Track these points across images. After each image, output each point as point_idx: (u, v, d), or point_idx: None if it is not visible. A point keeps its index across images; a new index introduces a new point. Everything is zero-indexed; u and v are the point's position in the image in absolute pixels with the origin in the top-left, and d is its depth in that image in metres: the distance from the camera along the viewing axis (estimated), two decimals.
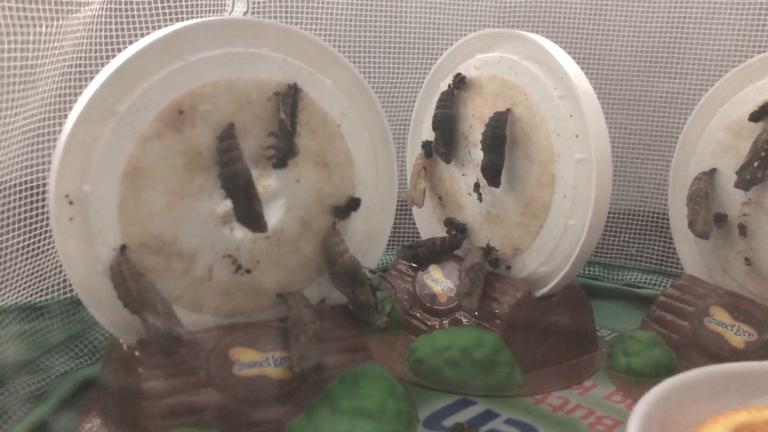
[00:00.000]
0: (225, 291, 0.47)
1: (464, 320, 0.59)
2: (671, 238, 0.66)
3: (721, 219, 0.59)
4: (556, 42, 0.57)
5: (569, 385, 0.57)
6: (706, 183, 0.59)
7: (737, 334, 0.57)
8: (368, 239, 0.53)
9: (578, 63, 0.56)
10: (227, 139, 0.45)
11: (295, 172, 0.48)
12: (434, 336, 0.57)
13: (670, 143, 0.75)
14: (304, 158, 0.48)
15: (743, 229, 0.58)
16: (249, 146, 0.46)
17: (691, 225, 0.58)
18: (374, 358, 0.51)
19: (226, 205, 0.46)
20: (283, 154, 0.46)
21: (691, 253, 0.63)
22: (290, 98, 0.47)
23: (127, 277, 0.43)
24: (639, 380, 0.57)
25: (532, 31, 0.59)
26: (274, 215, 0.48)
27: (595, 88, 0.55)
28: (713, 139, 0.60)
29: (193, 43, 0.44)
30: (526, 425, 0.51)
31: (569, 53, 0.56)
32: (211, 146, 0.45)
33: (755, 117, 0.56)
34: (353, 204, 0.51)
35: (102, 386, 0.49)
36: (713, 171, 0.60)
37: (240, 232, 0.47)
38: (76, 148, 0.42)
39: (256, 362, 0.46)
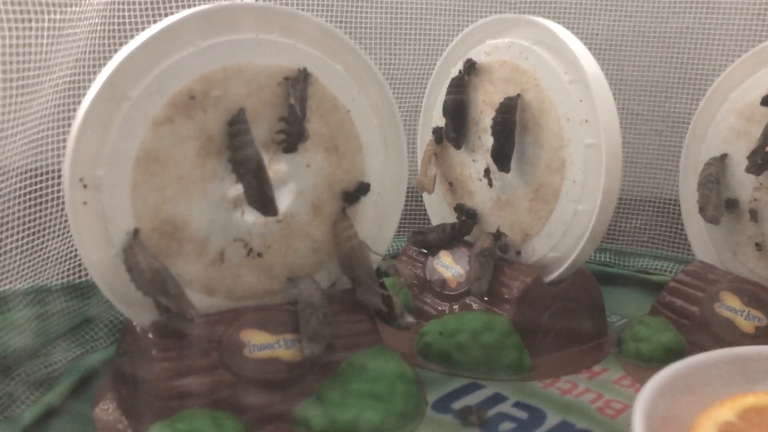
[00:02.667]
0: (236, 274, 0.48)
1: (474, 305, 0.60)
2: (682, 224, 0.66)
3: (732, 204, 0.59)
4: (567, 27, 0.57)
5: (578, 369, 0.57)
6: (717, 168, 0.59)
7: (747, 319, 0.57)
8: (378, 224, 0.53)
9: (589, 48, 0.56)
10: (238, 124, 0.45)
11: (306, 156, 0.49)
12: (444, 320, 0.58)
13: (681, 129, 0.74)
14: (314, 143, 0.49)
15: (754, 215, 0.58)
16: (260, 131, 0.47)
17: (702, 210, 0.58)
18: (384, 341, 0.51)
19: (238, 189, 0.46)
20: (293, 138, 0.47)
21: (701, 239, 0.63)
22: (300, 83, 0.47)
23: (140, 260, 0.43)
24: (648, 365, 0.57)
25: (543, 17, 0.59)
26: (284, 199, 0.49)
27: (606, 74, 0.55)
28: (724, 124, 0.60)
29: (204, 29, 0.44)
30: (534, 408, 0.51)
31: (580, 38, 0.56)
32: (222, 131, 0.45)
33: (767, 101, 0.56)
34: (363, 189, 0.51)
35: (116, 369, 0.50)
36: (724, 156, 0.60)
37: (251, 216, 0.48)
38: (89, 132, 0.42)
39: (268, 344, 0.47)
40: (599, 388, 0.54)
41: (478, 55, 0.62)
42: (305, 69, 0.47)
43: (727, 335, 0.57)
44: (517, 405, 0.51)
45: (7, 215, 0.49)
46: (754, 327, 0.56)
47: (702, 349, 0.51)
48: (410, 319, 0.51)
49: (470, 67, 0.62)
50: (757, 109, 0.57)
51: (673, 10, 0.73)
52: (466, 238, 0.65)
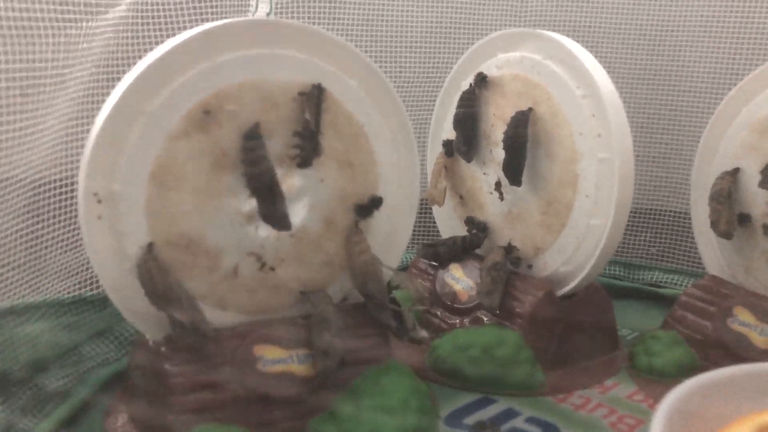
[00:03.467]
0: (250, 288, 0.48)
1: (485, 319, 0.59)
2: (693, 238, 0.65)
3: (744, 219, 0.59)
4: (578, 42, 0.57)
5: (591, 384, 0.57)
6: (729, 182, 0.59)
7: (761, 335, 0.56)
8: (390, 238, 0.53)
9: (601, 63, 0.56)
10: (253, 138, 0.45)
11: (320, 171, 0.49)
12: (455, 334, 0.58)
13: (692, 143, 0.74)
14: (328, 158, 0.49)
15: (767, 230, 0.58)
16: (274, 146, 0.47)
17: (714, 225, 0.58)
18: (396, 356, 0.51)
19: (251, 203, 0.46)
20: (307, 153, 0.47)
21: (713, 253, 0.63)
22: (315, 98, 0.47)
23: (154, 274, 0.43)
24: (661, 380, 0.57)
25: (555, 31, 0.59)
26: (298, 214, 0.49)
27: (617, 88, 0.55)
28: (737, 139, 0.60)
29: (219, 44, 0.44)
30: (547, 424, 0.51)
31: (592, 53, 0.56)
32: (237, 146, 0.45)
33: None
34: (376, 203, 0.51)
35: (129, 382, 0.50)
36: (736, 170, 0.59)
37: (264, 231, 0.47)
38: (105, 147, 0.42)
39: (281, 359, 0.47)
40: (612, 404, 0.54)
41: (489, 68, 0.62)
42: (320, 84, 0.47)
43: (741, 351, 0.57)
44: (530, 420, 0.51)
45: (21, 228, 0.50)
46: None
47: (715, 364, 0.51)
48: (423, 333, 0.51)
49: (481, 80, 0.62)
50: None
51: (685, 24, 0.73)
52: (477, 251, 0.65)
